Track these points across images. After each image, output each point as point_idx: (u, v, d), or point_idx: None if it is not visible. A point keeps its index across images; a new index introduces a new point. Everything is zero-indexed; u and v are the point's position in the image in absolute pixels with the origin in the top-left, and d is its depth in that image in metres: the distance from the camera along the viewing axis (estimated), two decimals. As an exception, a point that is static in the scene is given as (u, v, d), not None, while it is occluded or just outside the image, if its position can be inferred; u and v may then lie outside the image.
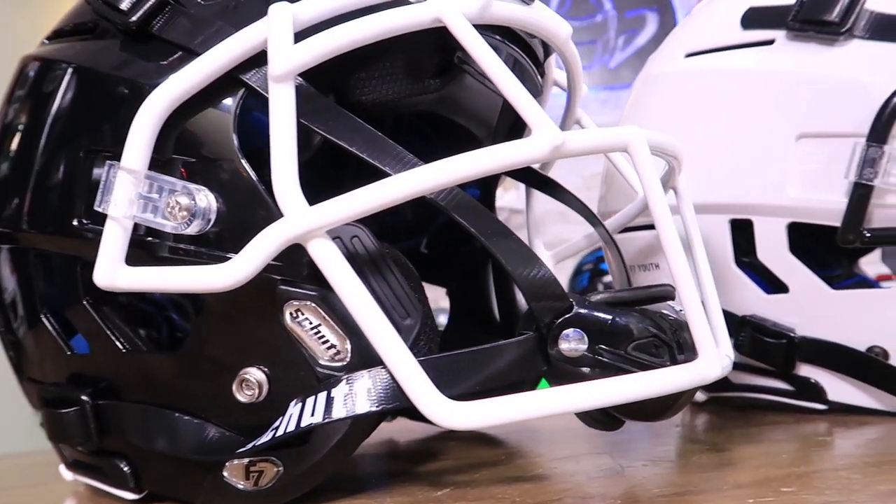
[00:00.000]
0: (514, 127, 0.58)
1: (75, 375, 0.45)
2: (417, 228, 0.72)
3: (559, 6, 2.88)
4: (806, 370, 0.57)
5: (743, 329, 0.58)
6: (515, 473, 0.45)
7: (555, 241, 0.67)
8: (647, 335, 0.40)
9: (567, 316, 0.39)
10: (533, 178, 0.64)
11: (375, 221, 0.74)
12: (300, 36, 0.37)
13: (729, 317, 0.59)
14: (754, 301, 0.58)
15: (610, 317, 0.40)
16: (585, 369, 0.39)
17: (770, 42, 0.56)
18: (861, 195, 0.50)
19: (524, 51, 0.51)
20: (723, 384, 0.64)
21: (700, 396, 0.68)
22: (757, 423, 0.57)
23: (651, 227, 0.63)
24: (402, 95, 0.46)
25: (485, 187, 0.67)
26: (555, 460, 0.50)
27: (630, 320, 0.40)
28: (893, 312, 0.52)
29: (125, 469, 0.43)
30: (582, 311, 0.39)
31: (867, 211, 0.51)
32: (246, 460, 0.39)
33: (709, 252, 0.59)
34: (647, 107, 0.66)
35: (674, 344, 0.40)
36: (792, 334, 0.56)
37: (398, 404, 0.36)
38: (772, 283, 0.58)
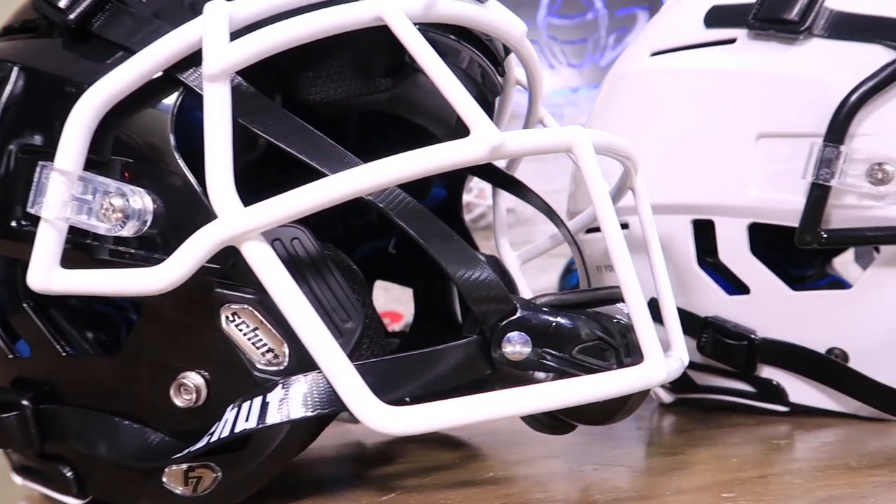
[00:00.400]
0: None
1: (19, 379, 0.44)
2: (384, 229, 0.71)
3: (550, 5, 2.88)
4: (768, 372, 0.56)
5: (705, 330, 0.58)
6: (465, 477, 0.44)
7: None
8: (593, 338, 0.39)
9: (510, 319, 0.39)
10: (498, 177, 0.63)
11: (342, 222, 0.74)
12: (239, 35, 0.37)
13: (692, 318, 0.59)
14: (717, 302, 0.57)
15: (554, 320, 0.39)
16: (529, 373, 0.39)
17: (732, 41, 0.56)
18: (818, 196, 0.49)
19: (482, 50, 0.51)
20: (688, 385, 0.64)
21: (667, 398, 0.67)
22: (718, 425, 0.56)
23: (623, 226, 0.63)
24: (352, 95, 0.46)
25: (451, 186, 0.67)
26: (509, 463, 0.50)
27: (575, 323, 0.39)
28: (852, 314, 0.52)
29: (68, 474, 0.43)
30: (526, 313, 0.39)
31: (825, 212, 0.50)
32: (185, 466, 0.39)
33: (672, 253, 0.59)
34: (614, 106, 0.65)
35: (621, 347, 0.40)
36: (753, 336, 0.55)
37: (334, 409, 0.36)
38: (734, 284, 0.57)
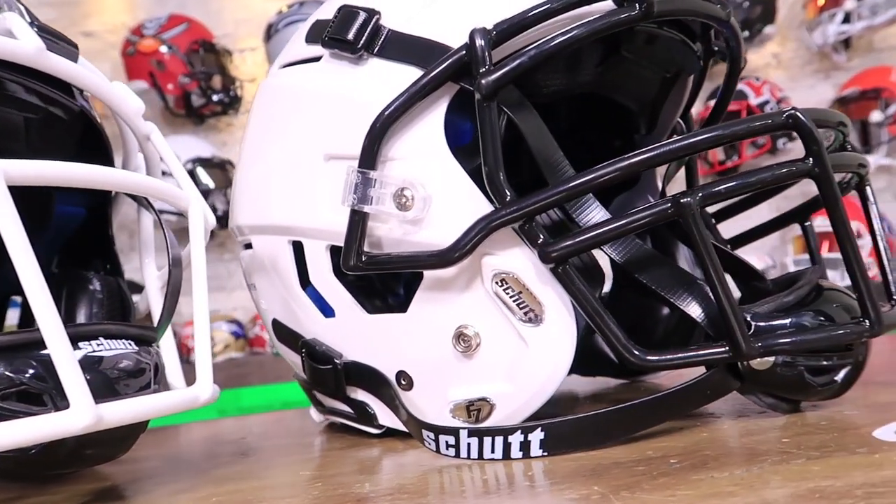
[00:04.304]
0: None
1: None
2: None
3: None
4: (361, 395, 0.56)
5: (302, 353, 0.57)
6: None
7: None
8: (13, 384, 0.37)
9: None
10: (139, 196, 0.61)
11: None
12: None
13: (297, 339, 0.58)
14: (316, 324, 0.56)
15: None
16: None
17: (318, 59, 0.54)
18: (355, 220, 0.48)
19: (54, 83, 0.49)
20: (321, 406, 0.63)
21: (317, 418, 0.66)
22: (327, 448, 0.56)
23: (250, 245, 0.61)
24: None
25: (92, 205, 0.64)
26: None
27: (-9, 368, 0.37)
28: (408, 338, 0.51)
29: None
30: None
31: (367, 236, 0.49)
32: None
33: (279, 274, 0.58)
34: (251, 118, 0.63)
35: (55, 392, 0.38)
36: (337, 360, 0.54)
37: None
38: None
